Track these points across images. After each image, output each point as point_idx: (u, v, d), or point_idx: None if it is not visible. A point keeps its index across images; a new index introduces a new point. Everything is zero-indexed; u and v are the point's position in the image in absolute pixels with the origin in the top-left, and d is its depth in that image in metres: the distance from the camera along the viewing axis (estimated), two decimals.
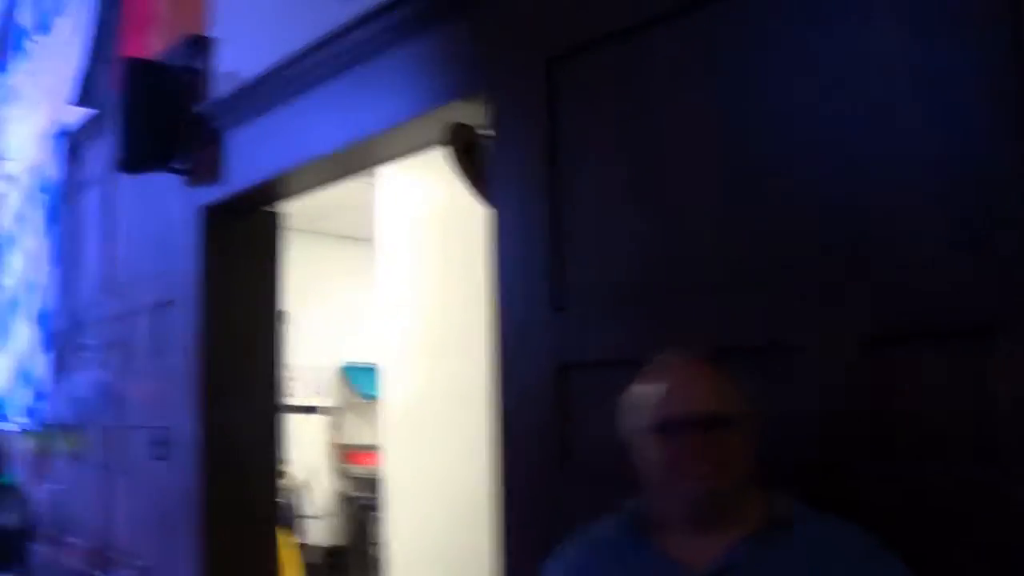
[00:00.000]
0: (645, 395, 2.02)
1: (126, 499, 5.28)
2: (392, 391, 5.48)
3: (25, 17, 7.14)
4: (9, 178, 7.15)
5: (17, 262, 6.87)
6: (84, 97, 5.85)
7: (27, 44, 7.08)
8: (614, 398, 2.12)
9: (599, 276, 2.71)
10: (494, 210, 3.01)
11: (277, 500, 4.86)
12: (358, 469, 8.20)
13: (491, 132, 3.05)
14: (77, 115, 6.02)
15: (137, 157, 4.65)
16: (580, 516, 2.26)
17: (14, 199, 7.00)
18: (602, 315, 2.69)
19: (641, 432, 2.01)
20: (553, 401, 2.77)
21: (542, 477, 2.79)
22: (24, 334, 6.52)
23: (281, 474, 4.92)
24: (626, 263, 2.66)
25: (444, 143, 3.39)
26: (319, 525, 8.23)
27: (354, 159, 3.91)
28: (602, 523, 2.15)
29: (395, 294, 5.54)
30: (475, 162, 3.32)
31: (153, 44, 5.12)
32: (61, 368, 6.17)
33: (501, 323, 2.95)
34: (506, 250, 2.96)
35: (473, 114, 3.26)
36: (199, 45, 4.73)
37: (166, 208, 4.92)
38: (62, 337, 6.19)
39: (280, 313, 4.74)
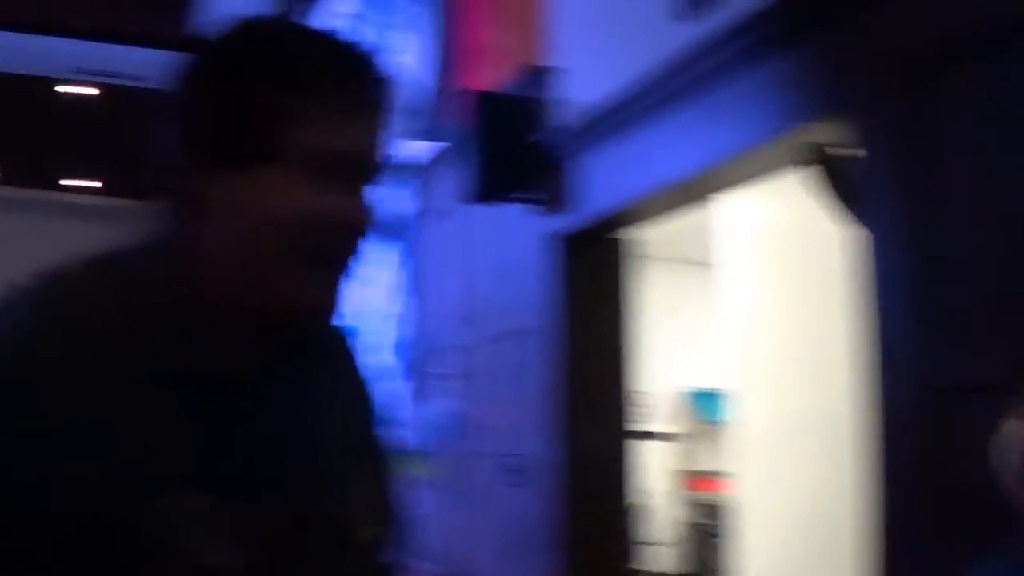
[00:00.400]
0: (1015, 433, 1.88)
1: (478, 525, 5.40)
2: (744, 416, 5.40)
3: None
4: None
5: (366, 295, 7.18)
6: (427, 131, 6.05)
7: None
8: (994, 424, 2.00)
9: (977, 296, 2.58)
10: (863, 230, 2.92)
11: (629, 526, 4.87)
12: (702, 496, 8.13)
13: (853, 151, 2.97)
14: (421, 149, 6.26)
15: (489, 188, 4.75)
16: (963, 548, 2.15)
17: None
18: (982, 336, 2.55)
19: (1011, 471, 1.88)
20: (929, 426, 2.64)
21: (918, 505, 2.67)
22: (378, 365, 6.78)
23: (632, 501, 4.93)
24: (1006, 282, 2.52)
25: (805, 164, 3.32)
26: (663, 552, 8.21)
27: (704, 185, 3.88)
28: (990, 562, 2.02)
29: (741, 318, 5.46)
30: (838, 183, 3.24)
31: (490, 76, 5.25)
32: (417, 396, 6.41)
33: (871, 345, 2.83)
34: (877, 270, 2.84)
35: (829, 134, 3.18)
36: (541, 75, 4.80)
37: (517, 237, 5.02)
38: (418, 366, 6.45)
39: (629, 339, 4.76)
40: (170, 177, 1.19)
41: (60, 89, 11.11)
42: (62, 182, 13.73)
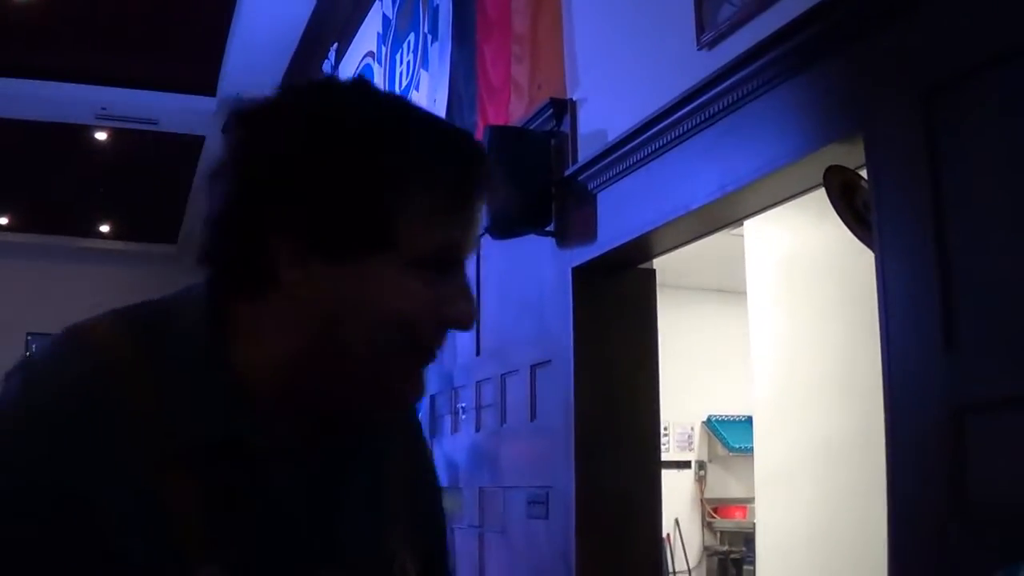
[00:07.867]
0: None
1: (501, 559, 5.37)
2: (767, 443, 5.38)
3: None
4: None
5: None
6: None
7: None
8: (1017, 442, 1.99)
9: (994, 314, 2.56)
10: (877, 252, 2.92)
11: (655, 557, 4.84)
12: (725, 523, 8.13)
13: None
14: None
15: (505, 222, 4.73)
16: (982, 570, 2.14)
17: None
18: (1000, 354, 2.54)
19: None
20: (948, 447, 2.60)
21: (938, 529, 2.61)
22: None
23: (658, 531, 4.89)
24: (1021, 301, 2.51)
25: (826, 187, 3.31)
26: None
27: (726, 211, 3.87)
28: None
29: (768, 344, 5.45)
30: (855, 205, 3.24)
31: (513, 111, 5.26)
32: (433, 432, 6.36)
33: (889, 368, 2.80)
34: (891, 292, 2.82)
35: (850, 155, 3.18)
36: (560, 108, 4.81)
37: (536, 270, 5.01)
38: (434, 400, 6.43)
39: (652, 369, 4.73)
40: (232, 246, 1.09)
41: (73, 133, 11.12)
42: (73, 227, 13.79)
